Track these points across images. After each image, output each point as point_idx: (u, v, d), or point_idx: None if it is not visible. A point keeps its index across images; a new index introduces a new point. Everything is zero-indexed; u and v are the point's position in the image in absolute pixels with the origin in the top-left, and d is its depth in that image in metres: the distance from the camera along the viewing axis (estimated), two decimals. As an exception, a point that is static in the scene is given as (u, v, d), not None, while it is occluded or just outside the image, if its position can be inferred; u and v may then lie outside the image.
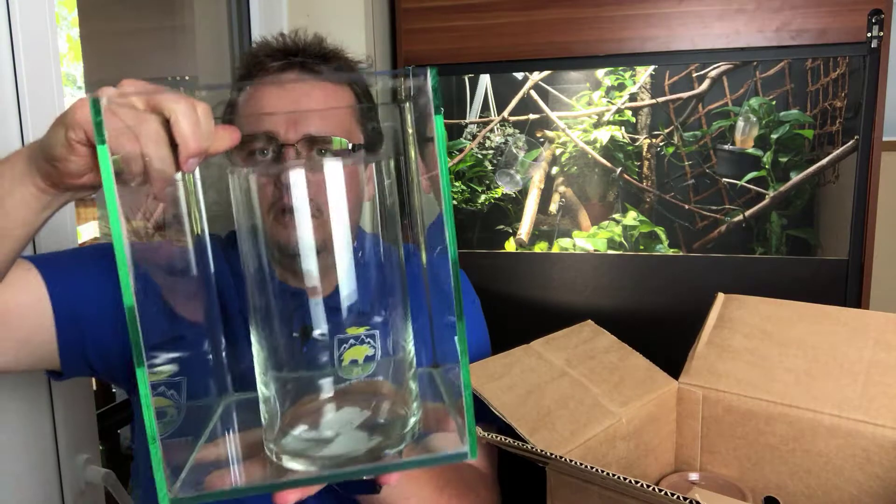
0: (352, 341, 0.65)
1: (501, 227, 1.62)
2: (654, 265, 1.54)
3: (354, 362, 0.67)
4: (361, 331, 0.65)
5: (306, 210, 0.56)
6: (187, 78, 1.55)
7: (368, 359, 0.70)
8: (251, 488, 0.50)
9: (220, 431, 0.61)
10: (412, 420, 0.58)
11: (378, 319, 0.67)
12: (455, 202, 1.64)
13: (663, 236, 1.54)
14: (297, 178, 0.52)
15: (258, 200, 0.56)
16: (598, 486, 0.59)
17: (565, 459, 0.58)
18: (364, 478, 0.70)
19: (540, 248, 1.61)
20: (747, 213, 1.49)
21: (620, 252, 1.56)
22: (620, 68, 1.51)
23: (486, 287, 1.64)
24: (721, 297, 0.87)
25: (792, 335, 0.79)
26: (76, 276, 0.77)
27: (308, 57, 0.84)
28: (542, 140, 1.58)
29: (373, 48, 1.53)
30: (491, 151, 1.60)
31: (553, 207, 1.59)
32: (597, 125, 1.54)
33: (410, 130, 0.71)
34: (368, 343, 0.67)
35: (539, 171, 1.59)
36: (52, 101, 0.95)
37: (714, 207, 1.50)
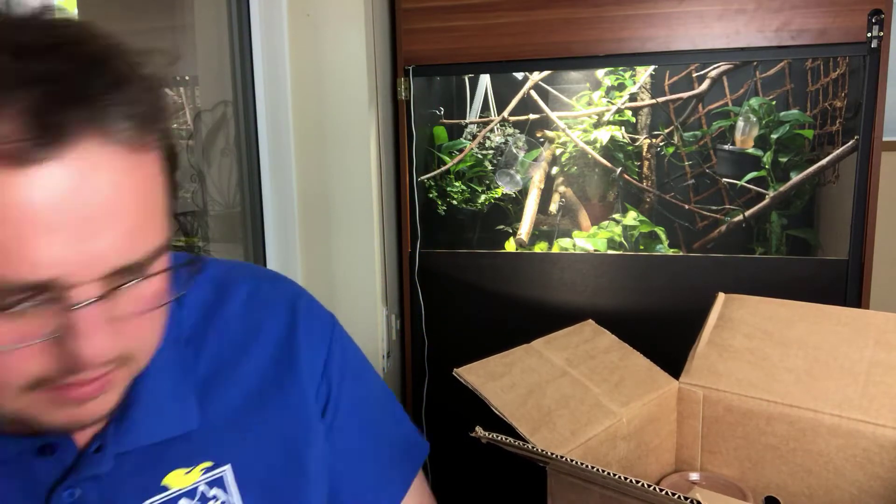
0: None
1: (501, 227, 1.62)
2: (654, 265, 1.54)
3: None
4: (197, 474, 0.53)
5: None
6: (187, 78, 1.55)
7: None
8: None
9: None
10: None
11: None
12: (455, 202, 1.64)
13: (663, 236, 1.54)
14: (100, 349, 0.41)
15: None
16: (599, 485, 0.59)
17: (566, 459, 0.58)
18: None
19: (540, 248, 1.61)
20: (747, 213, 1.49)
21: (620, 252, 1.56)
22: (620, 68, 1.51)
23: (486, 287, 1.64)
24: (721, 296, 0.87)
25: (792, 335, 0.79)
26: None
27: (86, 90, 0.39)
28: (542, 140, 1.58)
29: (373, 48, 1.53)
30: (491, 151, 1.60)
31: (553, 207, 1.59)
32: (597, 125, 1.54)
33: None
34: (216, 499, 0.53)
35: (539, 171, 1.59)
36: (52, 101, 0.95)
37: (714, 207, 1.50)
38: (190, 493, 0.53)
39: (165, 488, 0.52)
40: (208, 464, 0.54)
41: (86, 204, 0.39)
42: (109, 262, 0.41)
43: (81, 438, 0.50)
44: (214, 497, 0.53)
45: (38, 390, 0.42)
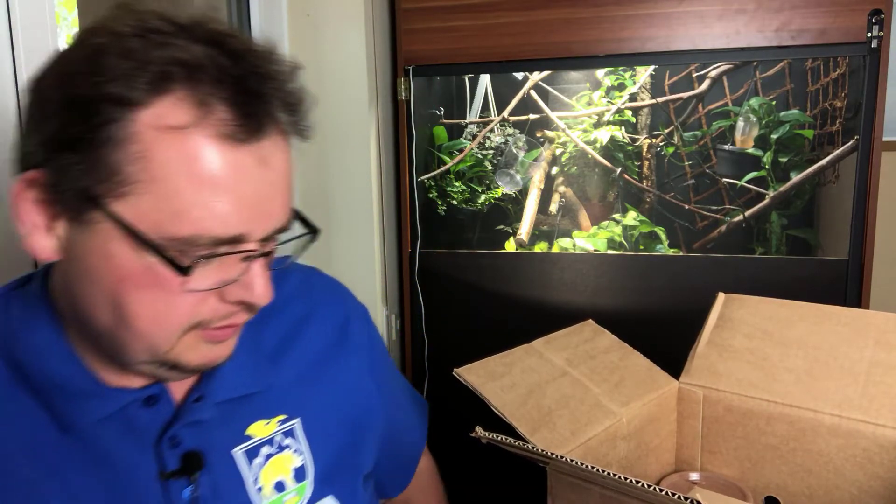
0: (265, 450, 0.63)
1: (501, 227, 1.62)
2: (654, 265, 1.54)
3: (280, 486, 0.63)
4: (274, 425, 0.64)
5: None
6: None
7: (300, 473, 0.65)
8: None
9: None
10: None
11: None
12: (455, 202, 1.64)
13: (663, 236, 1.54)
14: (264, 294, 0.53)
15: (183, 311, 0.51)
16: (599, 485, 0.59)
17: (566, 459, 0.58)
18: None
19: (540, 248, 1.61)
20: (747, 213, 1.49)
21: (620, 252, 1.56)
22: (620, 68, 1.51)
23: (486, 287, 1.64)
24: (721, 296, 0.87)
25: (792, 335, 0.79)
26: None
27: (266, 90, 0.50)
28: (542, 140, 1.58)
29: (373, 48, 1.53)
30: (491, 151, 1.60)
31: (553, 207, 1.59)
32: (597, 125, 1.54)
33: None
34: (290, 447, 0.64)
35: (539, 171, 1.59)
36: (52, 101, 0.95)
37: (714, 207, 1.50)
38: (269, 442, 0.63)
39: (249, 437, 0.62)
40: (282, 416, 0.64)
41: (266, 177, 0.50)
42: (274, 224, 0.52)
43: (178, 392, 0.60)
44: (288, 445, 0.64)
45: (193, 331, 0.52)
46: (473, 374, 0.71)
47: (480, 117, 1.60)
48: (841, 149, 1.42)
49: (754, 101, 1.45)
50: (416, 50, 1.59)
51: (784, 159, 1.46)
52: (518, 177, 1.60)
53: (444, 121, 1.62)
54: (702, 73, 1.47)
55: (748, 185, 1.48)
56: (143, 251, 0.48)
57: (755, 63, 1.44)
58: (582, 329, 0.87)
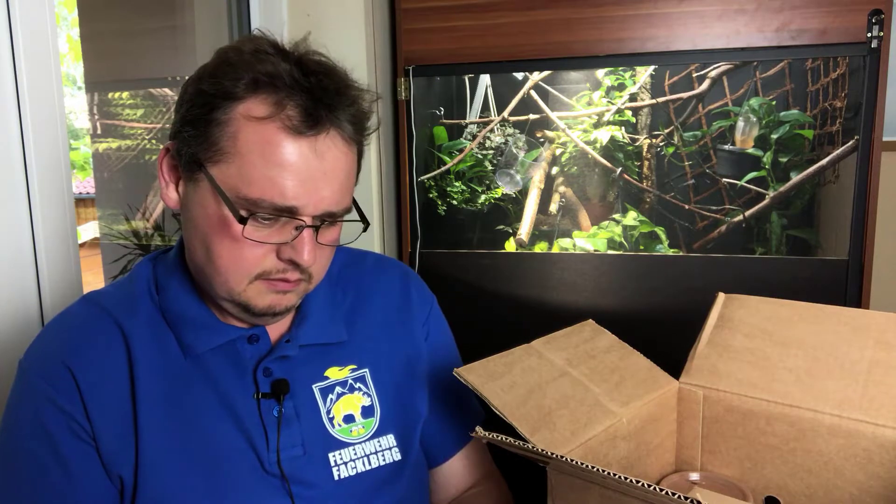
0: (338, 389, 0.79)
1: (501, 227, 1.62)
2: (654, 265, 1.54)
3: (350, 418, 0.78)
4: (346, 372, 0.80)
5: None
6: (187, 78, 1.54)
7: (367, 411, 0.80)
8: None
9: None
10: None
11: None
12: (455, 202, 1.64)
13: (663, 236, 1.54)
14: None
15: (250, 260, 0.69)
16: (599, 485, 0.59)
17: (566, 459, 0.58)
18: None
19: (540, 248, 1.61)
20: (747, 213, 1.49)
21: (620, 252, 1.56)
22: (620, 68, 1.51)
23: (486, 287, 1.64)
24: (721, 296, 0.86)
25: (792, 335, 0.79)
26: None
27: (332, 101, 0.68)
28: (542, 140, 1.58)
29: (373, 48, 1.53)
30: (491, 151, 1.60)
31: (553, 207, 1.59)
32: (597, 125, 1.54)
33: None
34: (360, 390, 0.80)
35: (539, 171, 1.59)
36: (52, 102, 0.95)
37: (714, 207, 1.50)
38: (342, 384, 0.79)
39: (326, 378, 0.78)
40: (354, 366, 0.80)
41: (321, 166, 0.67)
42: (324, 206, 0.68)
43: (274, 334, 0.78)
44: (358, 388, 0.79)
45: (260, 280, 0.70)
46: (473, 374, 0.71)
47: (480, 117, 1.60)
48: (841, 149, 1.42)
49: (754, 101, 1.45)
50: (416, 50, 1.59)
51: (784, 159, 1.46)
52: (518, 177, 1.60)
53: (444, 121, 1.62)
54: (702, 73, 1.47)
55: (748, 185, 1.48)
56: (223, 204, 0.66)
57: (755, 63, 1.44)
58: (582, 329, 0.87)
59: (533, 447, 0.62)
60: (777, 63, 1.43)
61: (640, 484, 0.52)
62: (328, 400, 0.77)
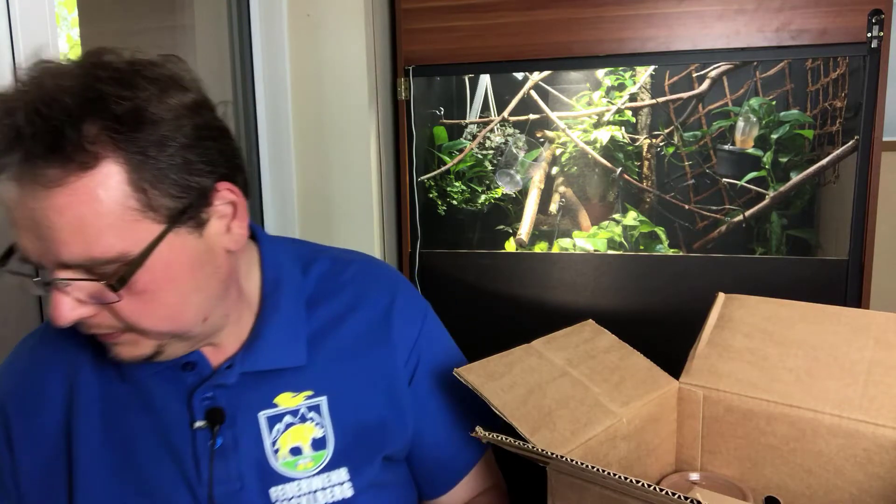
0: (287, 418, 0.71)
1: (501, 227, 1.62)
2: (654, 265, 1.54)
3: (297, 451, 0.72)
4: (300, 399, 0.72)
5: None
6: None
7: (318, 443, 0.72)
8: None
9: None
10: None
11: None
12: (455, 202, 1.64)
13: (663, 236, 1.54)
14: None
15: None
16: (599, 485, 0.59)
17: (566, 459, 0.58)
18: None
19: (540, 248, 1.61)
20: (747, 213, 1.49)
21: (620, 252, 1.56)
22: (620, 68, 1.51)
23: (486, 287, 1.64)
24: (721, 296, 0.86)
25: (792, 335, 0.78)
26: None
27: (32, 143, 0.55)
28: (542, 140, 1.58)
29: (373, 48, 1.53)
30: (491, 151, 1.60)
31: (553, 207, 1.59)
32: (597, 125, 1.54)
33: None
34: (312, 420, 0.72)
35: (539, 171, 1.59)
36: (53, 101, 0.95)
37: (714, 207, 1.50)
38: (293, 413, 0.71)
39: (276, 405, 0.71)
40: (310, 392, 0.72)
41: (19, 213, 0.57)
42: (59, 259, 0.57)
43: (217, 358, 0.71)
44: (311, 419, 0.72)
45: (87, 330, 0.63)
46: (473, 374, 0.71)
47: (480, 117, 1.60)
48: (841, 149, 1.42)
49: (754, 101, 1.45)
50: (416, 50, 1.59)
51: (784, 159, 1.46)
52: (518, 177, 1.60)
53: (444, 121, 1.62)
54: (702, 73, 1.47)
55: (748, 185, 1.48)
56: None
57: (755, 63, 1.44)
58: (582, 329, 0.87)
59: (533, 447, 0.62)
60: (777, 63, 1.43)
61: (640, 484, 0.52)
62: (275, 430, 0.71)
